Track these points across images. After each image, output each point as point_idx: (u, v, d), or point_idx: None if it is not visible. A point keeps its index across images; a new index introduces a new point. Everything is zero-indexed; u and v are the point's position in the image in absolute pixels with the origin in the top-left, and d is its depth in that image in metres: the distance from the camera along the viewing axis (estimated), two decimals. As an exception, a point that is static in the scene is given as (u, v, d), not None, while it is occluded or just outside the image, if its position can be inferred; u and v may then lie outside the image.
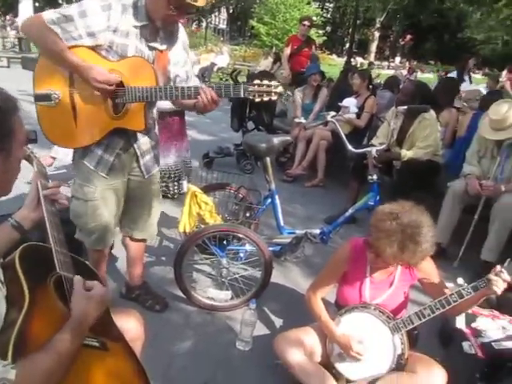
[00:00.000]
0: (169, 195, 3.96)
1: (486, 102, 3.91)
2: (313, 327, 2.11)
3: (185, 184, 2.55)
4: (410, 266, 1.89)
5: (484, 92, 5.40)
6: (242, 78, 7.99)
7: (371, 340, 1.91)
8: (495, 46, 31.10)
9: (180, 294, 2.61)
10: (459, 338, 2.33)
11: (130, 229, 2.38)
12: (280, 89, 1.87)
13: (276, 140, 2.63)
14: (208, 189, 2.93)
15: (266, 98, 1.86)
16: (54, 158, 3.67)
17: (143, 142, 2.16)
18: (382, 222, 1.78)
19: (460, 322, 2.42)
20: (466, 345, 2.29)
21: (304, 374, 1.95)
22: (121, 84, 1.88)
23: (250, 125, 5.44)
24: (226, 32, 46.50)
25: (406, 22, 35.77)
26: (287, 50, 6.85)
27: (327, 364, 2.02)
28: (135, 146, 2.13)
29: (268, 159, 2.66)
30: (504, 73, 17.18)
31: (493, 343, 2.32)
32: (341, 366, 1.97)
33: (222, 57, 15.42)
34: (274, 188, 2.71)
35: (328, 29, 42.05)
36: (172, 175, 3.92)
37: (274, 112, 5.50)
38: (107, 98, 1.91)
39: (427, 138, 3.69)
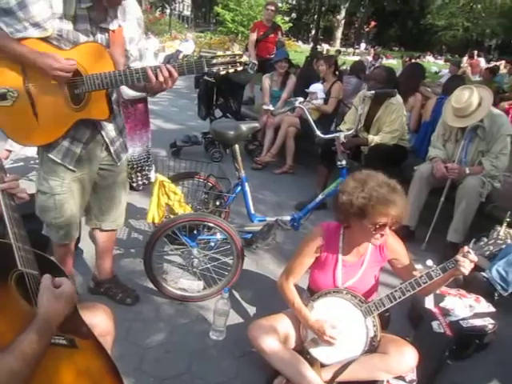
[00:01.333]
0: (134, 186, 3.85)
1: (448, 87, 3.99)
2: (286, 313, 2.11)
3: (152, 174, 2.49)
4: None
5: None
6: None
7: (344, 324, 1.93)
8: (456, 32, 31.86)
9: (151, 286, 2.57)
10: (429, 317, 2.39)
11: (100, 220, 2.32)
12: (244, 58, 1.82)
13: (244, 127, 2.60)
14: (176, 178, 2.88)
15: (231, 70, 1.81)
16: (9, 151, 3.53)
17: (110, 128, 2.09)
18: (357, 174, 1.90)
19: (429, 302, 2.47)
20: (435, 324, 2.34)
21: (279, 361, 1.95)
22: (78, 73, 1.80)
23: (218, 112, 5.36)
24: (191, 19, 45.77)
25: (371, 9, 36.07)
26: (253, 36, 6.79)
27: (301, 350, 2.03)
28: (103, 133, 2.06)
29: (237, 146, 2.63)
30: (465, 58, 17.70)
31: (460, 321, 2.39)
32: (315, 351, 1.99)
33: (187, 44, 15.21)
34: (243, 176, 2.68)
35: (293, 15, 41.97)
36: (135, 165, 3.81)
37: (242, 99, 5.45)
38: (65, 87, 1.82)
39: (393, 122, 3.74)
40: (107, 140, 2.08)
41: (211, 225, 2.46)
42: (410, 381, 1.96)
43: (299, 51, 20.46)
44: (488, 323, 2.41)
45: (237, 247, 2.46)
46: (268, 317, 2.09)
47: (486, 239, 1.81)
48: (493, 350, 2.42)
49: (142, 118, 3.84)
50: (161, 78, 1.81)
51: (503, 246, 1.81)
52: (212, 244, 2.64)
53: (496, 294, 2.73)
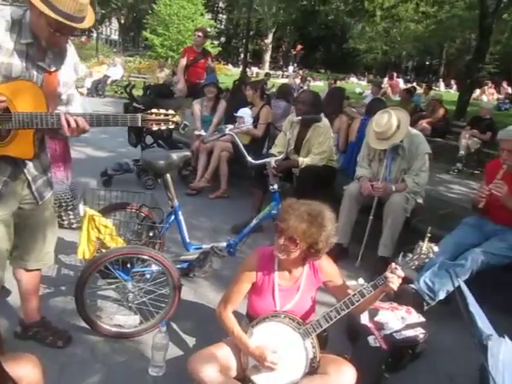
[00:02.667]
0: (64, 225, 3.67)
1: (370, 109, 4.24)
2: (226, 342, 2.09)
3: (81, 208, 2.40)
4: (317, 253, 1.94)
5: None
6: (137, 91, 7.79)
7: (284, 348, 1.94)
8: (376, 55, 33.91)
9: (84, 324, 2.44)
10: (365, 333, 2.47)
11: (24, 260, 2.18)
12: (177, 118, 1.88)
13: (175, 156, 2.59)
14: (107, 210, 2.79)
15: (163, 127, 1.85)
16: None
17: (33, 165, 1.99)
18: (292, 204, 1.92)
19: (364, 318, 2.55)
20: (370, 339, 2.42)
21: (220, 392, 1.92)
22: (6, 109, 1.72)
23: (149, 139, 5.30)
24: (119, 43, 45.10)
25: (297, 34, 37.55)
26: (183, 62, 6.81)
27: (243, 377, 2.02)
28: (25, 171, 1.96)
29: (168, 176, 2.60)
30: (385, 80, 18.86)
31: (394, 334, 2.49)
32: (257, 378, 1.98)
33: (116, 69, 14.95)
34: (176, 204, 2.65)
35: (222, 39, 42.75)
36: (63, 203, 3.64)
37: (173, 125, 5.43)
38: None
39: (322, 144, 3.89)
40: (29, 177, 1.99)
41: (145, 257, 2.40)
42: (351, 398, 1.99)
43: (229, 74, 20.76)
44: (419, 333, 2.54)
45: (173, 278, 2.41)
46: (208, 347, 2.05)
47: (410, 255, 1.91)
48: (425, 358, 2.54)
49: (62, 153, 3.66)
50: (73, 126, 1.78)
51: (426, 260, 1.90)
52: (147, 276, 2.56)
53: (425, 304, 2.87)
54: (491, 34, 10.71)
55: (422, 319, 2.66)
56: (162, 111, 1.87)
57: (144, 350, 2.40)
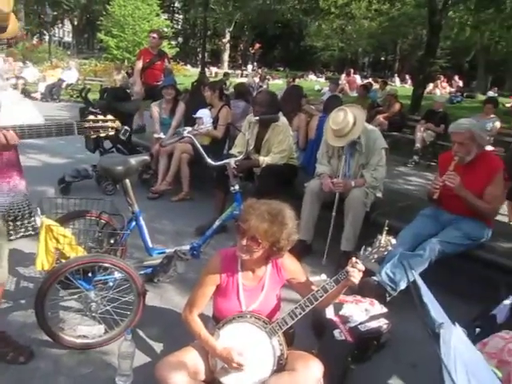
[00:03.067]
0: (12, 238, 3.52)
1: (327, 107, 4.31)
2: (194, 346, 2.08)
3: (38, 219, 2.32)
4: (280, 251, 1.96)
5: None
6: (94, 95, 7.60)
7: (251, 348, 1.95)
8: (333, 52, 34.49)
9: (46, 338, 2.37)
10: (330, 327, 2.51)
11: None
12: (117, 123, 1.84)
13: (133, 161, 2.55)
14: (66, 219, 2.72)
15: (102, 134, 1.81)
16: None
17: None
18: (253, 204, 1.93)
19: (329, 312, 2.60)
20: (336, 332, 2.47)
21: (189, 397, 1.91)
22: None
23: (107, 143, 5.18)
24: (73, 45, 43.87)
25: (254, 32, 37.64)
26: (139, 64, 6.72)
27: (212, 380, 2.02)
28: None
29: (127, 181, 2.56)
30: (343, 76, 19.18)
31: (359, 326, 2.55)
32: (226, 380, 1.98)
33: (70, 72, 14.56)
34: (137, 210, 2.62)
35: (180, 40, 42.34)
36: (11, 216, 3.49)
37: (131, 128, 5.34)
38: None
39: (281, 143, 3.93)
40: None
41: (107, 265, 2.36)
42: (319, 392, 2.03)
43: (188, 75, 20.59)
44: (383, 324, 2.61)
45: (136, 284, 2.38)
46: (175, 352, 2.04)
47: (370, 248, 1.96)
48: (389, 348, 2.61)
49: (10, 164, 3.52)
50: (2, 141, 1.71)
51: (385, 253, 1.95)
52: (110, 284, 2.52)
53: (387, 295, 2.95)
54: (441, 30, 11.09)
55: (385, 310, 2.73)
56: (100, 117, 1.82)
57: (110, 359, 2.36)
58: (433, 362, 2.14)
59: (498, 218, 3.77)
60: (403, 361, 2.53)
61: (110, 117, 1.83)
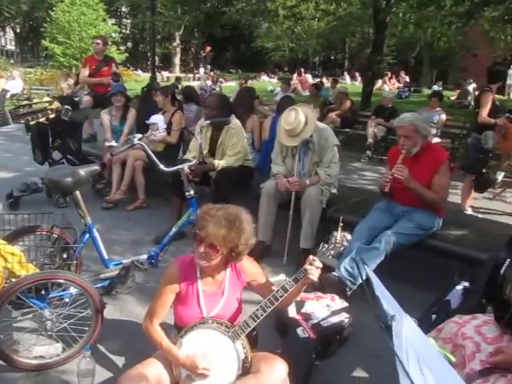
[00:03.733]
0: None
1: (280, 107, 4.34)
2: (156, 357, 2.04)
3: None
4: (238, 255, 1.96)
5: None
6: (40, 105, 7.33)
7: (215, 353, 1.93)
8: (284, 52, 34.84)
9: (0, 362, 2.26)
10: (293, 325, 2.53)
11: None
12: (55, 104, 1.77)
13: (83, 171, 2.47)
14: (15, 235, 2.62)
15: (42, 118, 1.73)
16: None
17: None
18: (208, 211, 1.90)
19: (292, 311, 2.62)
20: (299, 330, 2.50)
21: (155, 409, 1.88)
22: None
23: (57, 155, 5.01)
24: (16, 54, 42.18)
25: (204, 35, 37.48)
26: (85, 72, 6.55)
27: (178, 390, 1.99)
28: None
29: (78, 193, 2.48)
30: (294, 76, 19.42)
31: (321, 322, 2.58)
32: (191, 388, 1.96)
33: (14, 82, 14.02)
34: (89, 222, 2.54)
35: (129, 45, 41.57)
36: None
37: (81, 138, 5.19)
38: None
39: (236, 145, 3.92)
40: None
41: (61, 281, 2.27)
42: (285, 391, 2.04)
43: (139, 80, 20.24)
44: (344, 318, 2.66)
45: (93, 299, 2.31)
46: (137, 365, 1.99)
47: (326, 245, 1.98)
48: (352, 341, 2.66)
49: None
50: None
51: (342, 249, 1.99)
52: (66, 300, 2.42)
53: (347, 290, 3.01)
54: (386, 28, 11.43)
55: (346, 304, 2.78)
56: (36, 100, 1.75)
57: (69, 378, 2.28)
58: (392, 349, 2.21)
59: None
60: (366, 352, 2.58)
61: (46, 98, 1.76)
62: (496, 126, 4.59)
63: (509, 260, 1.84)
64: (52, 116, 1.73)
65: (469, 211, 4.99)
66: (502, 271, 1.85)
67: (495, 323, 1.80)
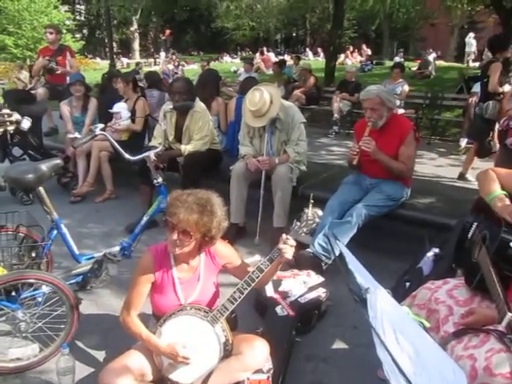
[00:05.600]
0: None
1: (243, 88, 4.29)
2: (137, 348, 2.03)
3: None
4: (212, 239, 1.95)
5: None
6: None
7: (195, 339, 1.93)
8: (244, 31, 34.43)
9: (-26, 368, 2.21)
10: (272, 305, 2.56)
11: None
12: (16, 116, 1.70)
13: (44, 166, 2.39)
14: (-22, 237, 2.52)
15: (0, 130, 1.66)
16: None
17: None
18: (178, 197, 1.88)
19: (269, 291, 2.64)
20: (278, 309, 2.52)
21: (140, 400, 1.87)
22: None
23: (17, 151, 4.81)
24: (-36, 48, 40.13)
25: (162, 19, 36.57)
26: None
27: (161, 378, 1.99)
28: None
29: (41, 189, 2.40)
30: (257, 55, 19.24)
31: (299, 299, 2.61)
32: (174, 375, 1.96)
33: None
34: (56, 218, 2.47)
35: (85, 32, 40.16)
36: None
37: (41, 132, 5.00)
38: None
39: (202, 129, 3.87)
40: None
41: (31, 280, 2.21)
42: (268, 370, 2.06)
43: (98, 69, 19.66)
44: (321, 293, 2.69)
45: (67, 296, 2.26)
46: (118, 358, 1.97)
47: (299, 223, 1.99)
48: (330, 314, 2.71)
49: None
50: None
51: (314, 225, 2.00)
52: (39, 300, 2.37)
53: (323, 264, 3.05)
54: (345, 2, 11.42)
55: (322, 279, 2.82)
56: None
57: (50, 377, 2.24)
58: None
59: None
60: (344, 324, 2.64)
61: (5, 111, 1.69)
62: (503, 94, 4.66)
63: (475, 224, 1.89)
64: (11, 129, 1.66)
65: (469, 176, 5.16)
66: (469, 235, 1.90)
67: (466, 286, 1.85)
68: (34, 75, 6.62)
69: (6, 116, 1.66)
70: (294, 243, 1.96)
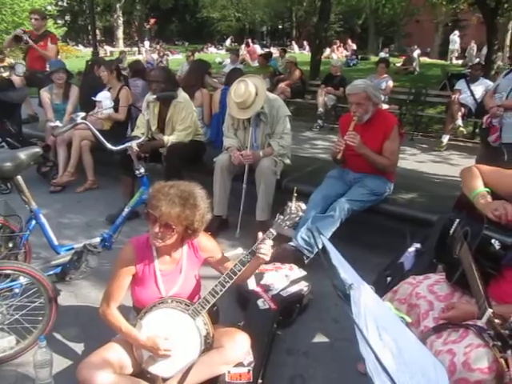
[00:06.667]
0: None
1: (229, 79, 4.25)
2: (116, 341, 2.00)
3: None
4: (195, 232, 1.93)
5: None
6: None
7: (176, 332, 1.92)
8: (230, 22, 34.19)
9: (-51, 362, 2.15)
10: (253, 298, 2.55)
11: None
12: (8, 60, 1.63)
13: (23, 155, 2.33)
14: (-47, 227, 2.45)
15: None
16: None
17: None
18: (161, 189, 1.85)
19: (251, 284, 2.63)
20: (260, 302, 2.52)
21: (119, 393, 1.85)
22: None
23: (-5, 138, 4.71)
24: None
25: (146, 7, 36.03)
26: None
27: (141, 372, 1.97)
28: None
29: (19, 178, 2.34)
30: (243, 47, 19.12)
31: (281, 292, 2.61)
32: (154, 369, 1.94)
33: None
34: (35, 208, 2.42)
35: (67, 18, 39.29)
36: None
37: (20, 119, 4.89)
38: None
39: (185, 120, 3.82)
40: None
41: (7, 271, 2.16)
42: (249, 363, 2.05)
43: (81, 56, 19.30)
44: (303, 286, 2.70)
45: (45, 287, 2.22)
46: (97, 351, 1.94)
47: (282, 216, 1.98)
48: (312, 308, 2.72)
49: None
50: None
51: (297, 219, 1.99)
52: (16, 291, 2.32)
53: (305, 258, 3.05)
54: (331, -5, 11.39)
55: (304, 273, 2.82)
56: None
57: (27, 370, 2.20)
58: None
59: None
60: (326, 318, 2.65)
61: None
62: None
63: (457, 220, 1.90)
64: (6, 74, 1.58)
65: None
66: (451, 232, 1.92)
67: (446, 281, 1.87)
68: (5, 47, 6.33)
69: (-4, 63, 1.57)
70: (271, 243, 1.95)
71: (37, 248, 2.96)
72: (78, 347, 2.38)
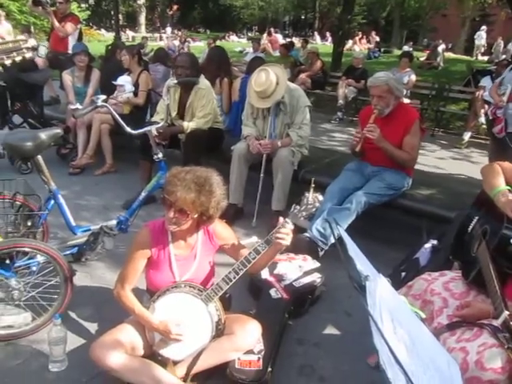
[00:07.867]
0: None
1: (251, 68, 4.22)
2: (129, 322, 2.03)
3: None
4: (210, 219, 1.92)
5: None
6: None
7: (188, 317, 1.94)
8: (253, 10, 33.95)
9: (-34, 333, 2.20)
10: (266, 287, 2.55)
11: None
12: (32, 42, 1.64)
13: (44, 135, 2.35)
14: (-25, 203, 2.49)
15: (18, 58, 1.60)
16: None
17: None
18: (177, 174, 1.85)
19: (264, 273, 2.64)
20: (272, 291, 2.52)
21: (130, 373, 1.88)
22: None
23: (17, 119, 4.76)
24: (-32, 12, 39.42)
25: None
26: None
27: (152, 354, 1.99)
28: None
29: (39, 158, 2.37)
30: (264, 36, 18.98)
31: (293, 283, 2.61)
32: (165, 351, 1.96)
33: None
34: (54, 188, 2.45)
35: (91, 2, 39.48)
36: None
37: (42, 101, 4.93)
38: None
39: (205, 107, 3.81)
40: None
41: (26, 249, 2.20)
42: (259, 351, 2.06)
43: (103, 40, 19.39)
44: (316, 278, 2.69)
45: (62, 266, 2.25)
46: (110, 331, 1.97)
47: (298, 207, 1.97)
48: (323, 300, 2.71)
49: None
50: None
51: (313, 210, 1.97)
52: (33, 269, 2.36)
53: (319, 250, 3.04)
54: (356, -14, 11.20)
55: (318, 264, 2.82)
56: (10, 39, 1.63)
57: (41, 347, 2.24)
58: (364, 308, 2.26)
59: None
60: (338, 310, 2.64)
61: (20, 37, 1.63)
62: None
63: (476, 218, 1.87)
64: (29, 55, 1.59)
65: None
66: (469, 229, 1.89)
67: (462, 279, 1.85)
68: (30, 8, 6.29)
69: (21, 43, 1.58)
70: (292, 227, 1.93)
71: (54, 228, 3.00)
72: (92, 327, 2.42)
